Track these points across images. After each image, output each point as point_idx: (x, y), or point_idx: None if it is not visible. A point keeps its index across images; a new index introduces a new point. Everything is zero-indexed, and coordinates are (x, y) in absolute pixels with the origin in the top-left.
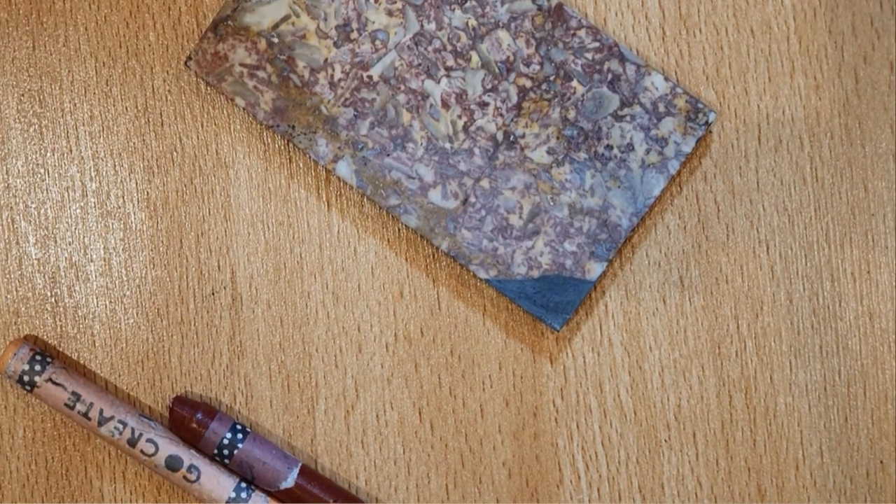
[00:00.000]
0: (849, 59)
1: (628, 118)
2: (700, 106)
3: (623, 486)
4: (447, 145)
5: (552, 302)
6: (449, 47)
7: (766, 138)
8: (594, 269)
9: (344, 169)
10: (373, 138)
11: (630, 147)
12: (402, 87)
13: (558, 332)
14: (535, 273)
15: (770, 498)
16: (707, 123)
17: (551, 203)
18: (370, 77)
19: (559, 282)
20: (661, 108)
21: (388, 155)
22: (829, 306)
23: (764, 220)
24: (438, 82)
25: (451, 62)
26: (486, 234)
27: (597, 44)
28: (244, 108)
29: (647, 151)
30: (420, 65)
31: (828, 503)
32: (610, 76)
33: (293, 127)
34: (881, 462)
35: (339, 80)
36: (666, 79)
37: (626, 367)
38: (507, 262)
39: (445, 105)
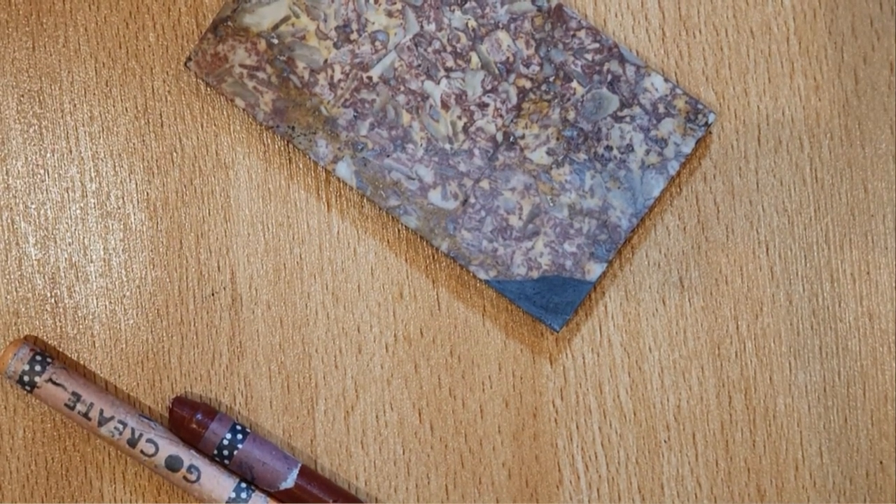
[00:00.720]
0: (848, 59)
1: (628, 119)
2: (700, 107)
3: (623, 486)
4: (447, 146)
5: (552, 302)
6: (449, 48)
7: (765, 139)
8: (594, 270)
9: (344, 170)
10: (372, 139)
11: (630, 148)
12: (402, 88)
13: (558, 332)
14: (535, 274)
15: (770, 499)
16: (707, 124)
17: (551, 204)
18: (370, 78)
19: (559, 282)
20: (661, 109)
21: (388, 156)
22: (829, 307)
23: (764, 220)
24: (438, 83)
25: (450, 63)
26: (485, 235)
27: (596, 45)
28: (244, 109)
29: (647, 152)
30: (420, 66)
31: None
32: (609, 77)
33: (293, 128)
34: (881, 463)
35: (339, 80)
36: (665, 80)
37: (626, 367)
38: (506, 263)
39: (445, 106)
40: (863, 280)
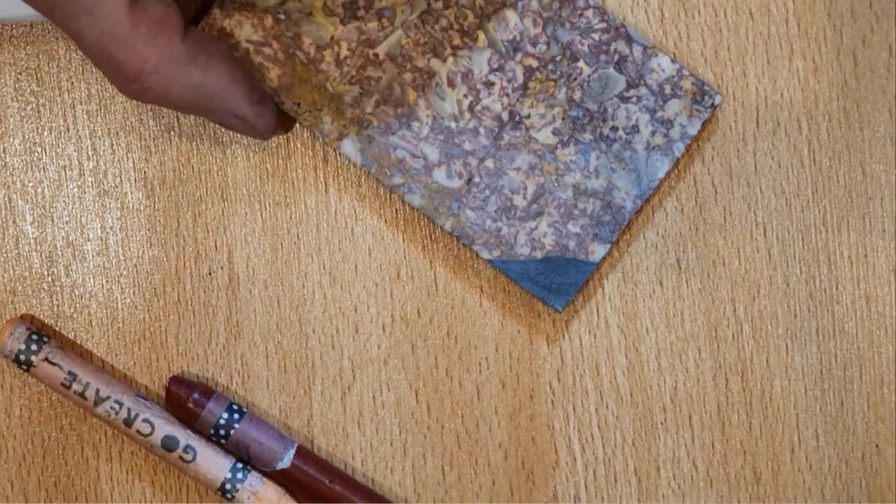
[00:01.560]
0: (847, 41)
1: (634, 100)
2: (706, 88)
3: (619, 468)
4: (452, 124)
5: (555, 283)
6: (455, 26)
7: (764, 121)
8: (597, 251)
9: (349, 147)
10: (378, 116)
11: (635, 129)
12: (409, 66)
13: (560, 312)
14: (539, 254)
15: (765, 481)
16: (713, 106)
17: (555, 184)
18: (376, 55)
19: (562, 263)
20: (668, 90)
21: (394, 133)
22: (826, 289)
23: (761, 203)
24: (445, 61)
25: (457, 41)
26: (489, 215)
27: (604, 24)
28: None
29: (653, 133)
30: (426, 43)
31: (823, 486)
32: (616, 57)
33: (298, 104)
34: (877, 446)
35: (346, 57)
36: (672, 60)
37: (623, 349)
38: (510, 243)
39: (451, 84)
40: (860, 263)
